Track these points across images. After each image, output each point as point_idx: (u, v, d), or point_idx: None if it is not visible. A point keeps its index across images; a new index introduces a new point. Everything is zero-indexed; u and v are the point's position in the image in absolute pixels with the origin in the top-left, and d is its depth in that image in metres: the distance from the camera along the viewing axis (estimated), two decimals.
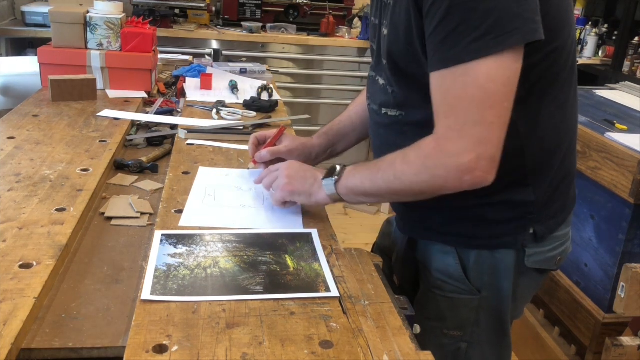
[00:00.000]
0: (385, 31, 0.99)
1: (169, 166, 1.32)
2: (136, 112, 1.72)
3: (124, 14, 1.95)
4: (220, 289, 0.85)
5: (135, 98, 1.85)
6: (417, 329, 0.90)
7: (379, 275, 0.94)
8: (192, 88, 2.00)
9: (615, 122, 2.03)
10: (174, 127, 1.61)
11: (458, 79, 0.85)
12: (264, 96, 1.96)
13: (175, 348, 0.72)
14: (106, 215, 1.12)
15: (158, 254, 0.93)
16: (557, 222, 1.07)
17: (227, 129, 1.58)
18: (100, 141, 1.43)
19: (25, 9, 3.21)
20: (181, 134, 1.51)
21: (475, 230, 1.04)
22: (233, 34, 3.48)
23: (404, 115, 1.02)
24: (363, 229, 3.27)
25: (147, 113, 1.72)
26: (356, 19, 3.85)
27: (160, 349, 0.72)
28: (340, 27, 3.76)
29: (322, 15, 3.68)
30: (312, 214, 1.13)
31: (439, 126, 0.90)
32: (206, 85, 2.01)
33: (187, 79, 2.10)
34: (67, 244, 0.96)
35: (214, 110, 1.74)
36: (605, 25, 4.32)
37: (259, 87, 2.00)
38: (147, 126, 1.63)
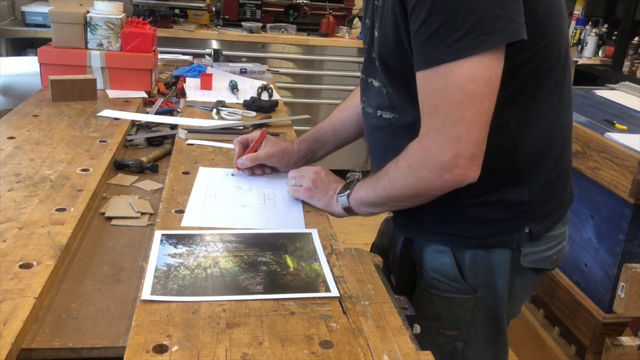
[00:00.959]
0: (376, 33, 1.00)
1: (169, 166, 1.32)
2: (136, 112, 1.72)
3: (124, 14, 1.95)
4: (220, 289, 0.85)
5: (135, 98, 1.85)
6: (417, 329, 0.90)
7: (379, 275, 0.94)
8: (192, 88, 2.00)
9: (615, 122, 2.03)
10: (174, 127, 1.61)
11: (440, 79, 0.87)
12: (264, 96, 1.96)
13: (175, 348, 0.72)
14: (106, 215, 1.12)
15: (158, 254, 0.93)
16: (552, 221, 1.07)
17: (227, 129, 1.58)
18: (100, 141, 1.43)
19: (25, 9, 3.21)
20: (181, 134, 1.51)
21: (470, 229, 1.04)
22: (233, 34, 3.48)
23: (397, 118, 1.03)
24: (363, 229, 3.27)
25: (147, 113, 1.72)
26: (356, 19, 3.85)
27: (160, 349, 0.72)
28: (340, 27, 3.76)
29: (322, 15, 3.68)
30: (312, 214, 1.13)
31: (422, 127, 0.93)
32: (206, 85, 2.01)
33: (187, 79, 2.10)
34: (67, 244, 0.96)
35: (214, 110, 1.74)
36: (605, 25, 4.32)
37: (259, 87, 2.00)
38: (147, 126, 1.63)
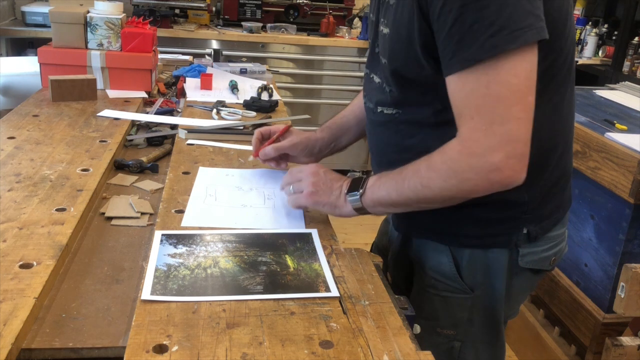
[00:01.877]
0: (385, 30, 0.99)
1: (169, 166, 1.32)
2: (136, 112, 1.72)
3: (124, 14, 1.96)
4: (220, 289, 0.85)
5: (135, 98, 1.85)
6: (417, 329, 0.90)
7: (379, 275, 0.94)
8: (192, 88, 2.00)
9: (615, 122, 2.03)
10: (174, 127, 1.61)
11: (480, 78, 0.84)
12: (264, 96, 1.96)
13: (175, 348, 0.72)
14: (106, 215, 1.12)
15: (158, 254, 0.93)
16: (551, 222, 1.07)
17: (227, 129, 1.58)
18: (100, 141, 1.43)
19: (25, 9, 3.21)
20: (181, 134, 1.51)
21: (468, 229, 1.04)
22: (233, 34, 3.48)
23: (400, 114, 1.02)
24: (363, 229, 3.27)
25: (147, 113, 1.72)
26: (356, 19, 3.85)
27: (160, 349, 0.72)
28: (340, 27, 3.77)
29: (322, 15, 3.68)
30: (312, 214, 1.13)
31: (463, 128, 0.89)
32: (206, 85, 2.01)
33: (187, 79, 2.10)
34: (67, 244, 0.96)
35: (214, 110, 1.74)
36: (605, 25, 4.32)
37: (259, 87, 2.00)
38: (147, 126, 1.63)
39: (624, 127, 1.98)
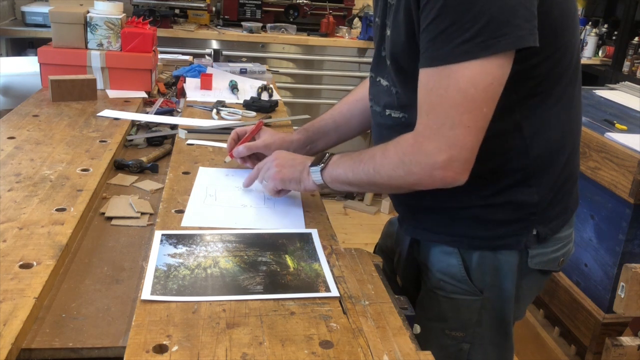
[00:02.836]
0: (388, 32, 0.99)
1: (169, 166, 1.32)
2: (136, 112, 1.72)
3: (124, 14, 1.95)
4: (220, 289, 0.85)
5: (135, 98, 1.85)
6: (417, 329, 0.90)
7: (379, 275, 0.94)
8: (192, 88, 2.00)
9: (615, 122, 2.03)
10: (174, 127, 1.61)
11: (442, 79, 0.86)
12: (264, 96, 1.96)
13: (175, 348, 0.72)
14: (106, 215, 1.12)
15: (158, 254, 0.93)
16: (560, 223, 1.07)
17: (227, 129, 1.58)
18: (100, 141, 1.43)
19: (25, 9, 3.21)
20: (181, 134, 1.51)
21: (477, 231, 1.03)
22: (233, 34, 3.48)
23: (407, 117, 1.02)
24: (363, 229, 3.27)
25: (147, 113, 1.72)
26: (356, 19, 3.85)
27: (160, 349, 0.72)
28: (340, 27, 3.76)
29: (322, 15, 3.68)
30: (312, 214, 1.13)
31: (419, 123, 0.92)
32: (206, 85, 2.01)
33: (187, 79, 2.10)
34: (67, 244, 0.96)
35: (214, 110, 1.74)
36: (605, 25, 4.32)
37: (259, 87, 2.00)
38: (147, 126, 1.63)
39: (624, 127, 1.98)
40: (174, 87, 2.06)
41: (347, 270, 0.94)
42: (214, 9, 3.71)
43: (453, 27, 0.83)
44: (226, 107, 1.79)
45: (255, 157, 1.27)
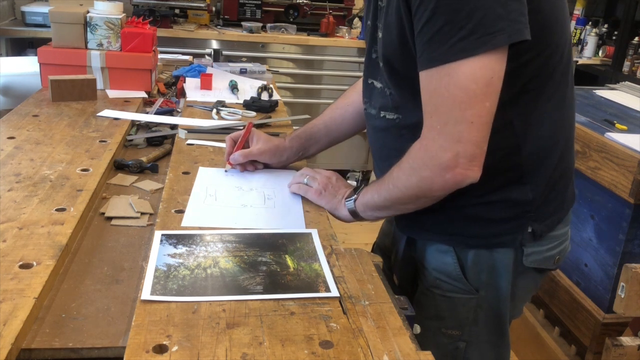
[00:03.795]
0: (380, 34, 1.00)
1: (169, 166, 1.32)
2: (136, 112, 1.72)
3: (124, 14, 1.95)
4: (220, 289, 0.85)
5: (135, 98, 1.85)
6: (417, 329, 0.90)
7: (379, 275, 0.94)
8: (192, 88, 2.00)
9: (615, 122, 2.03)
10: (174, 127, 1.61)
11: (442, 78, 0.87)
12: (264, 96, 1.96)
13: (175, 348, 0.72)
14: (106, 215, 1.12)
15: (158, 254, 0.93)
16: (555, 220, 1.07)
17: (227, 129, 1.58)
18: (100, 141, 1.43)
19: (25, 9, 3.21)
20: (181, 134, 1.51)
21: (473, 229, 1.04)
22: (233, 34, 3.48)
23: (401, 119, 1.03)
24: (363, 229, 3.26)
25: (147, 113, 1.72)
26: (356, 19, 3.85)
27: (160, 349, 0.72)
28: (340, 27, 3.76)
29: (322, 15, 3.68)
30: (312, 214, 1.13)
31: (424, 126, 0.93)
32: (206, 85, 2.01)
33: (187, 79, 2.10)
34: (67, 244, 0.96)
35: (214, 110, 1.74)
36: (605, 25, 4.32)
37: (259, 87, 2.00)
38: (147, 126, 1.63)
39: (624, 127, 1.98)
40: (174, 87, 2.06)
41: (347, 270, 0.94)
42: (214, 9, 3.71)
43: (448, 26, 0.84)
44: (226, 107, 1.79)
45: (250, 163, 1.30)
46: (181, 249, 0.95)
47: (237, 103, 1.88)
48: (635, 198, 1.71)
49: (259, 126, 1.64)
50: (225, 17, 3.67)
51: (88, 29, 1.86)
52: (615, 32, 4.10)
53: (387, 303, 0.86)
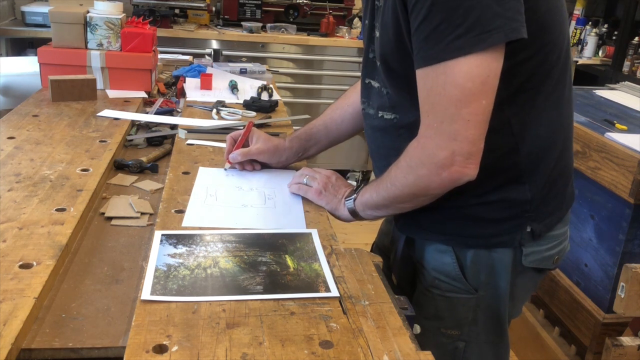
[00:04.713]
0: (377, 34, 1.00)
1: (169, 166, 1.32)
2: (136, 112, 1.72)
3: (124, 14, 1.95)
4: (220, 289, 0.85)
5: (135, 98, 1.85)
6: (417, 329, 0.90)
7: (379, 275, 0.94)
8: (192, 88, 2.00)
9: (615, 122, 2.03)
10: (174, 127, 1.61)
11: (439, 77, 0.87)
12: (264, 96, 1.96)
13: (175, 348, 0.72)
14: (106, 215, 1.12)
15: (158, 254, 0.93)
16: (554, 220, 1.07)
17: (227, 129, 1.58)
18: (100, 141, 1.43)
19: (25, 9, 3.21)
20: (181, 134, 1.51)
21: (471, 229, 1.04)
22: (233, 34, 3.48)
23: (399, 118, 1.03)
24: (363, 229, 3.26)
25: (147, 113, 1.72)
26: (356, 19, 3.85)
27: (160, 349, 0.72)
28: (340, 27, 3.76)
29: (322, 15, 3.68)
30: (312, 214, 1.13)
31: (421, 124, 0.93)
32: (206, 85, 2.01)
33: (187, 79, 2.10)
34: (67, 244, 0.96)
35: (214, 110, 1.74)
36: (605, 25, 4.32)
37: (259, 87, 2.00)
38: (147, 126, 1.63)
39: (624, 127, 1.98)
40: (174, 87, 2.06)
41: (347, 270, 0.94)
42: (214, 9, 3.71)
43: (444, 24, 0.84)
44: (226, 107, 1.79)
45: (249, 162, 1.30)
46: (181, 249, 0.95)
47: (237, 103, 1.88)
48: (635, 198, 1.71)
49: (259, 126, 1.64)
50: (225, 17, 3.67)
51: (88, 29, 1.86)
52: (615, 32, 4.10)
53: (387, 303, 0.86)
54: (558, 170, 1.05)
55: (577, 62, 4.09)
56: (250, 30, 3.52)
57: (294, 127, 1.71)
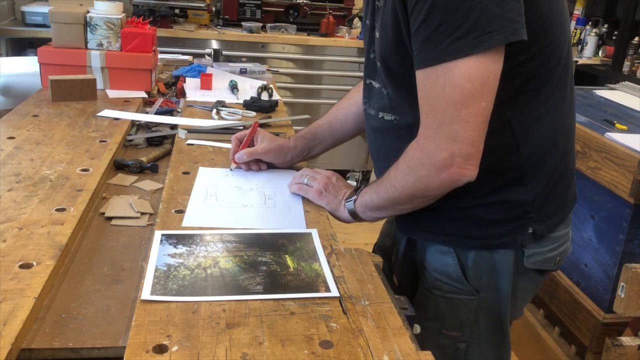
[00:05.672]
0: (377, 34, 1.00)
1: (169, 166, 1.32)
2: (136, 112, 1.72)
3: (124, 14, 1.95)
4: (220, 289, 0.85)
5: (135, 98, 1.85)
6: (417, 329, 0.90)
7: (379, 275, 0.94)
8: (192, 88, 2.00)
9: (615, 122, 2.03)
10: (174, 127, 1.61)
11: (438, 78, 0.87)
12: (264, 96, 1.96)
13: (175, 348, 0.72)
14: (106, 215, 1.11)
15: (158, 254, 0.93)
16: (555, 221, 1.07)
17: (227, 129, 1.58)
18: (100, 141, 1.43)
19: (25, 9, 3.21)
20: (181, 134, 1.51)
21: (473, 230, 1.04)
22: (233, 34, 3.48)
23: (398, 120, 1.03)
24: (363, 229, 3.26)
25: (147, 113, 1.72)
26: (356, 19, 3.85)
27: (160, 349, 0.72)
28: (340, 27, 3.76)
29: (322, 15, 3.68)
30: (312, 214, 1.13)
31: (421, 126, 0.93)
32: (206, 85, 2.01)
33: (187, 79, 2.10)
34: (67, 244, 0.96)
35: (214, 110, 1.74)
36: (605, 25, 4.32)
37: (259, 87, 2.00)
38: (147, 126, 1.63)
39: (624, 127, 1.98)
40: (174, 87, 2.06)
41: (347, 270, 0.94)
42: (214, 9, 3.71)
43: (444, 25, 0.84)
44: (226, 107, 1.79)
45: (255, 162, 1.30)
46: (181, 249, 0.95)
47: (237, 103, 1.88)
48: (635, 198, 1.71)
49: (259, 126, 1.64)
50: (225, 17, 3.67)
51: (88, 29, 1.86)
52: (615, 32, 4.10)
53: (387, 303, 0.86)
54: (560, 171, 1.05)
55: (577, 62, 4.08)
56: (250, 30, 3.52)
57: (294, 127, 1.71)
